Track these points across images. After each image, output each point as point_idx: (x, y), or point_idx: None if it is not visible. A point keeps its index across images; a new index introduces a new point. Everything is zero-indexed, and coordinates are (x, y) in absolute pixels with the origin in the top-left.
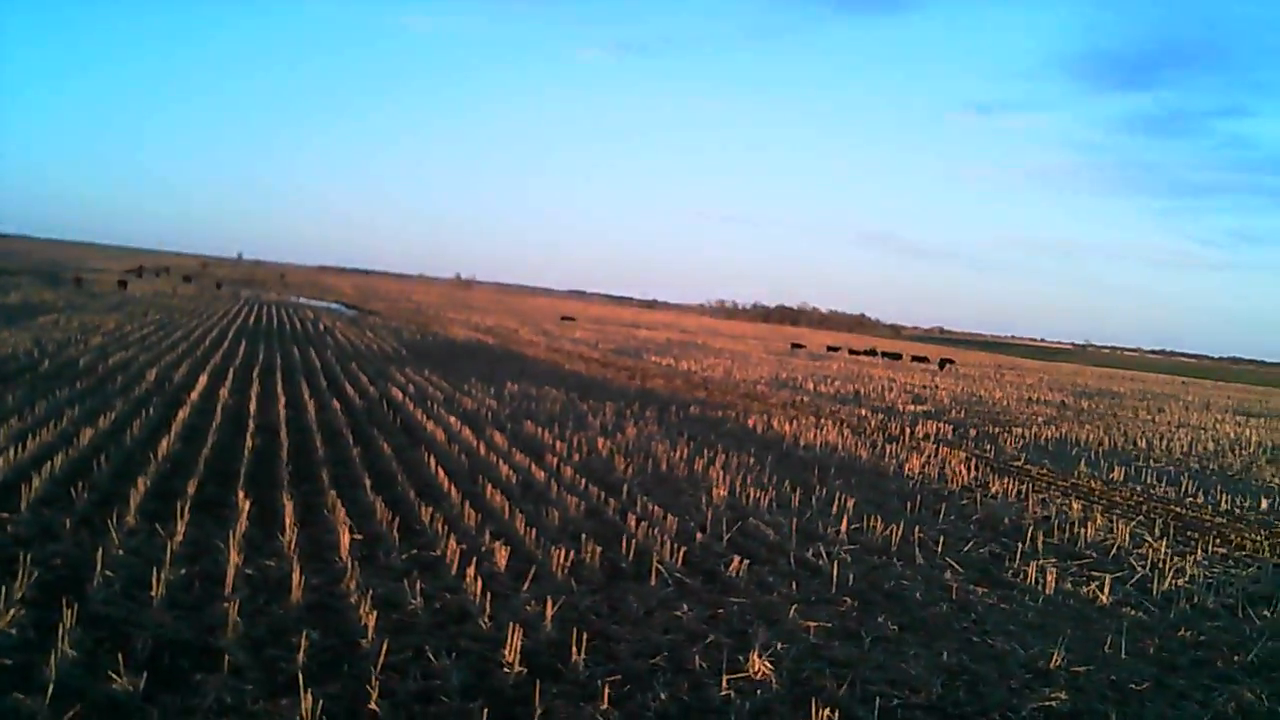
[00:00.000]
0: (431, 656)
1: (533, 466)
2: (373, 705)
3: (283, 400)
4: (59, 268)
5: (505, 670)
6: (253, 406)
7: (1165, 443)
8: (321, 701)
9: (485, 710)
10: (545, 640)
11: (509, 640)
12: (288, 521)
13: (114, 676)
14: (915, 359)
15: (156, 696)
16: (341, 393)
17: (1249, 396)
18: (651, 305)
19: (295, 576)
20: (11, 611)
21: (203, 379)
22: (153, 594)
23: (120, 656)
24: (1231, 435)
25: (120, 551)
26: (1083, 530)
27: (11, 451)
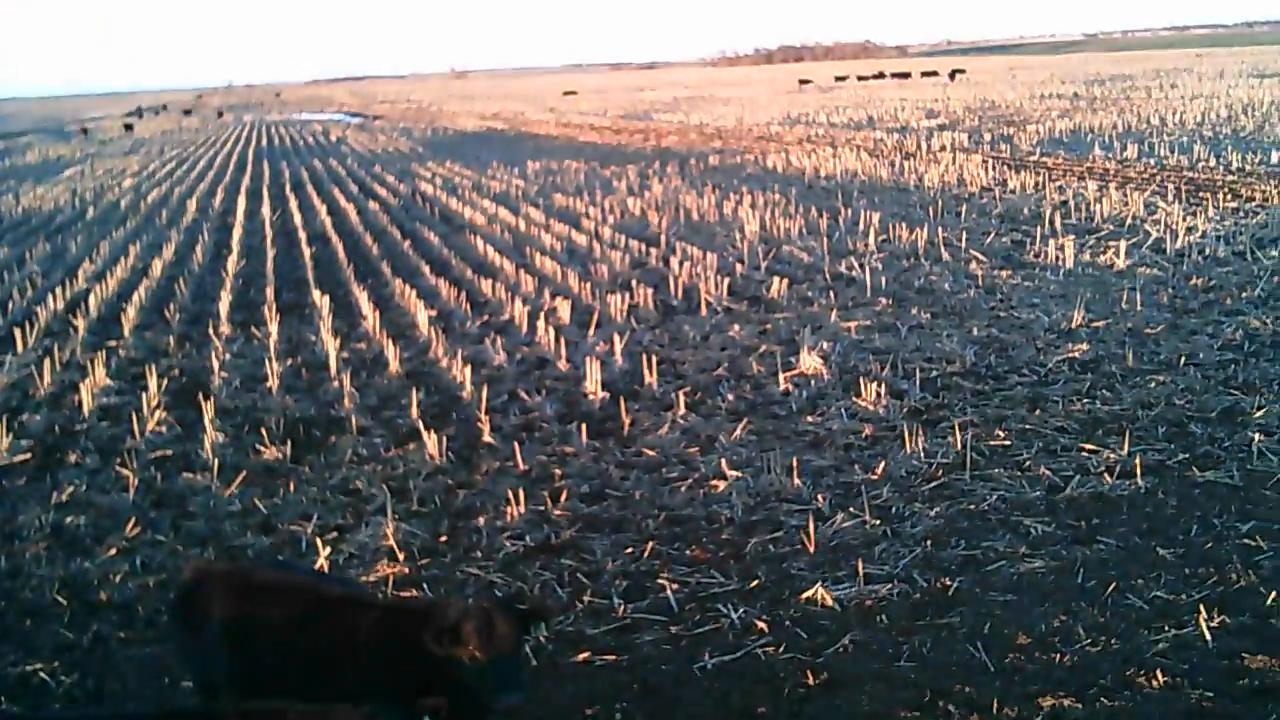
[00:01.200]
0: (524, 396)
1: (572, 233)
2: (486, 438)
3: (323, 209)
4: (61, 121)
5: (590, 397)
6: (297, 219)
7: (1178, 116)
8: (443, 440)
9: (581, 427)
10: (619, 371)
11: (587, 374)
12: (366, 310)
13: (261, 449)
14: (925, 74)
15: (302, 458)
16: (374, 194)
17: (1264, 58)
18: (651, 67)
19: (389, 351)
20: (156, 415)
21: (241, 200)
22: (269, 384)
23: (262, 434)
24: (1244, 98)
25: (228, 356)
26: (1098, 207)
27: (96, 289)
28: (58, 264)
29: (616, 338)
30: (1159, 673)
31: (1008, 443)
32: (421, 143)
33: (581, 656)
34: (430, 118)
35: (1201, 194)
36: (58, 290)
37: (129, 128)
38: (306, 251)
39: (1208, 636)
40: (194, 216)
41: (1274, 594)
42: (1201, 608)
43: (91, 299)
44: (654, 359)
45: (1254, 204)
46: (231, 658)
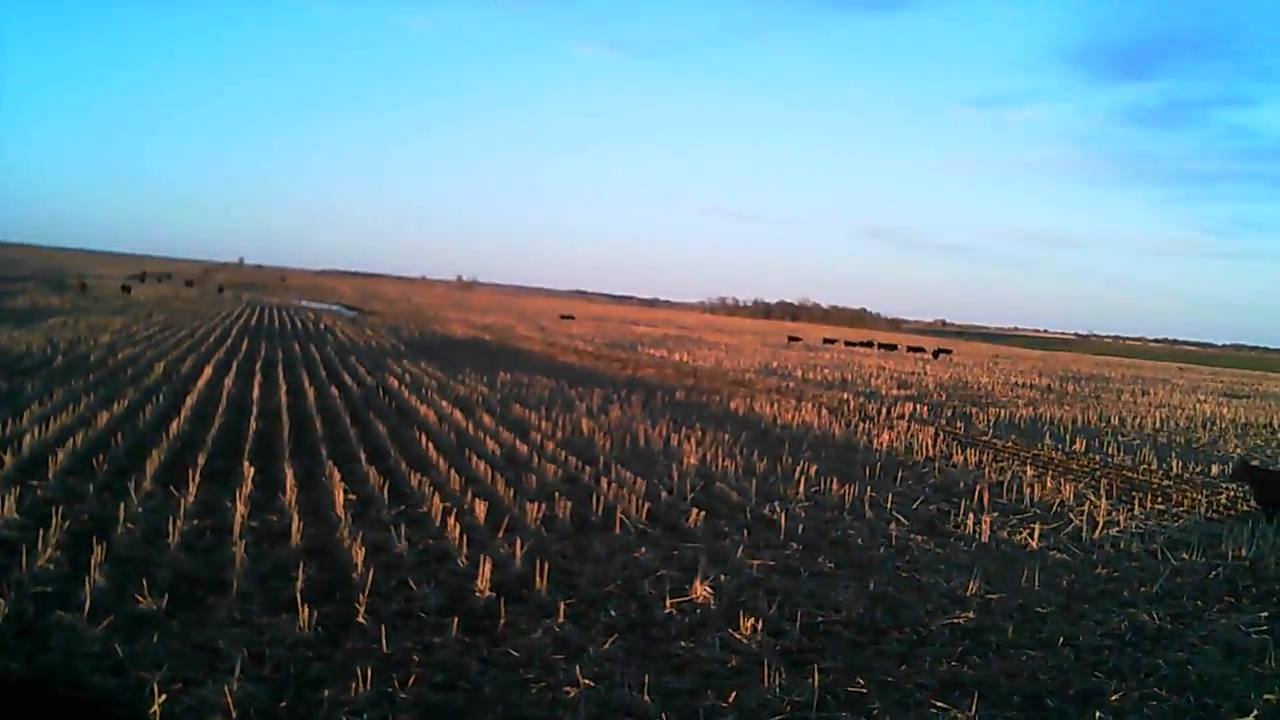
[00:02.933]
0: (413, 585)
1: (517, 442)
2: (360, 619)
3: (284, 388)
4: (62, 274)
5: (477, 594)
6: (255, 394)
7: (1137, 420)
8: (316, 615)
9: (456, 622)
10: (514, 574)
11: (481, 572)
12: (289, 485)
13: (140, 599)
14: (911, 349)
15: (177, 613)
16: (340, 382)
17: (1243, 380)
18: (653, 304)
19: (294, 526)
20: (48, 552)
21: (208, 370)
22: (169, 540)
23: (145, 584)
24: (1207, 413)
25: (139, 509)
26: (1029, 490)
27: (35, 431)
28: (5, 403)
29: (520, 543)
30: None
31: (864, 691)
32: (406, 342)
33: None
34: (424, 320)
35: (1134, 493)
36: None
37: (127, 289)
38: (253, 425)
39: None
40: (157, 379)
41: None
42: None
43: (27, 439)
44: (550, 567)
45: (1180, 509)
46: None
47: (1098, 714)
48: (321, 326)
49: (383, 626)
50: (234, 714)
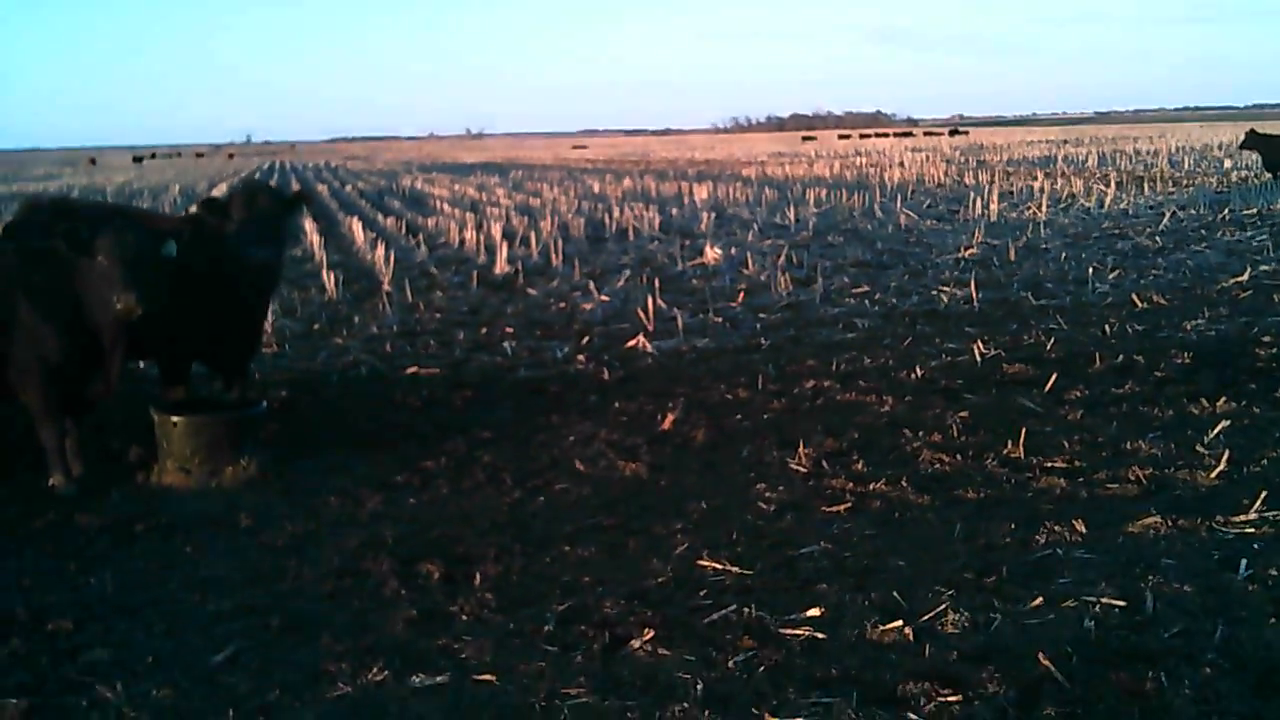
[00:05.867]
0: (434, 270)
1: (530, 199)
2: (385, 287)
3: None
4: (76, 162)
5: (495, 273)
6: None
7: (1153, 149)
8: (342, 288)
9: (475, 284)
10: (532, 263)
11: (498, 261)
12: (309, 229)
13: None
14: (927, 133)
15: None
16: (360, 191)
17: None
18: (665, 133)
19: (317, 251)
20: None
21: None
22: None
23: None
24: (1226, 139)
25: None
26: (1040, 189)
27: None
28: None
29: (535, 243)
30: None
31: (864, 289)
32: (416, 166)
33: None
34: (434, 156)
35: (1145, 183)
36: None
37: (139, 160)
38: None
39: None
40: (173, 197)
41: None
42: None
43: None
44: (565, 253)
45: (1189, 189)
46: None
47: (1093, 286)
48: (334, 164)
49: (407, 293)
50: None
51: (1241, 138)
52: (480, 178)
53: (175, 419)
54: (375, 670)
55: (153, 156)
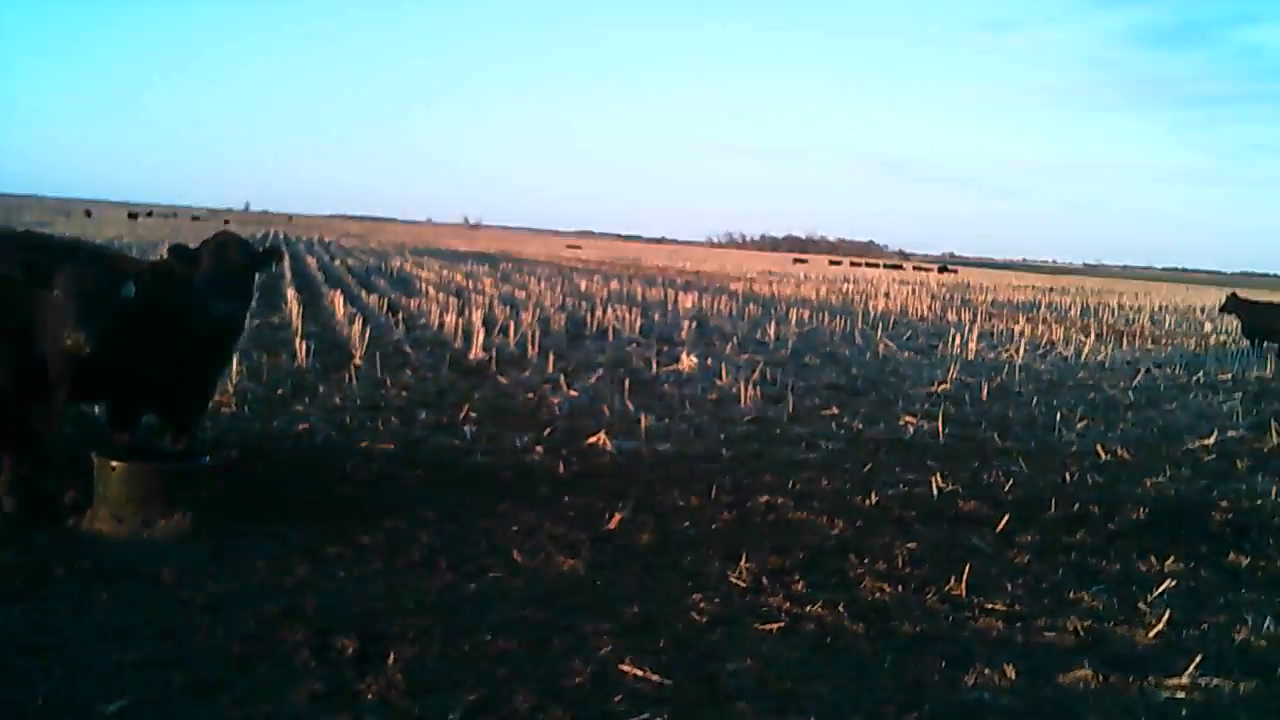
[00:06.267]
0: (408, 349)
1: (515, 291)
2: (356, 363)
3: (290, 264)
4: (69, 211)
5: (470, 359)
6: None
7: (1135, 305)
8: (313, 357)
9: (448, 367)
10: (508, 353)
11: (473, 348)
12: (290, 297)
13: None
14: (916, 268)
15: None
16: (349, 268)
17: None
18: (660, 241)
19: (295, 319)
20: None
21: None
22: None
23: None
24: (1209, 303)
25: None
26: (1020, 333)
27: None
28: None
29: (513, 334)
30: None
31: (833, 411)
32: (409, 250)
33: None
34: (428, 241)
35: (1123, 338)
36: None
37: (134, 216)
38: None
39: None
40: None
41: None
42: None
43: None
44: (542, 347)
45: (1169, 347)
46: None
47: (1061, 433)
48: (326, 239)
49: (377, 368)
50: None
51: (1222, 302)
52: (470, 266)
53: (114, 463)
54: None
55: (149, 215)
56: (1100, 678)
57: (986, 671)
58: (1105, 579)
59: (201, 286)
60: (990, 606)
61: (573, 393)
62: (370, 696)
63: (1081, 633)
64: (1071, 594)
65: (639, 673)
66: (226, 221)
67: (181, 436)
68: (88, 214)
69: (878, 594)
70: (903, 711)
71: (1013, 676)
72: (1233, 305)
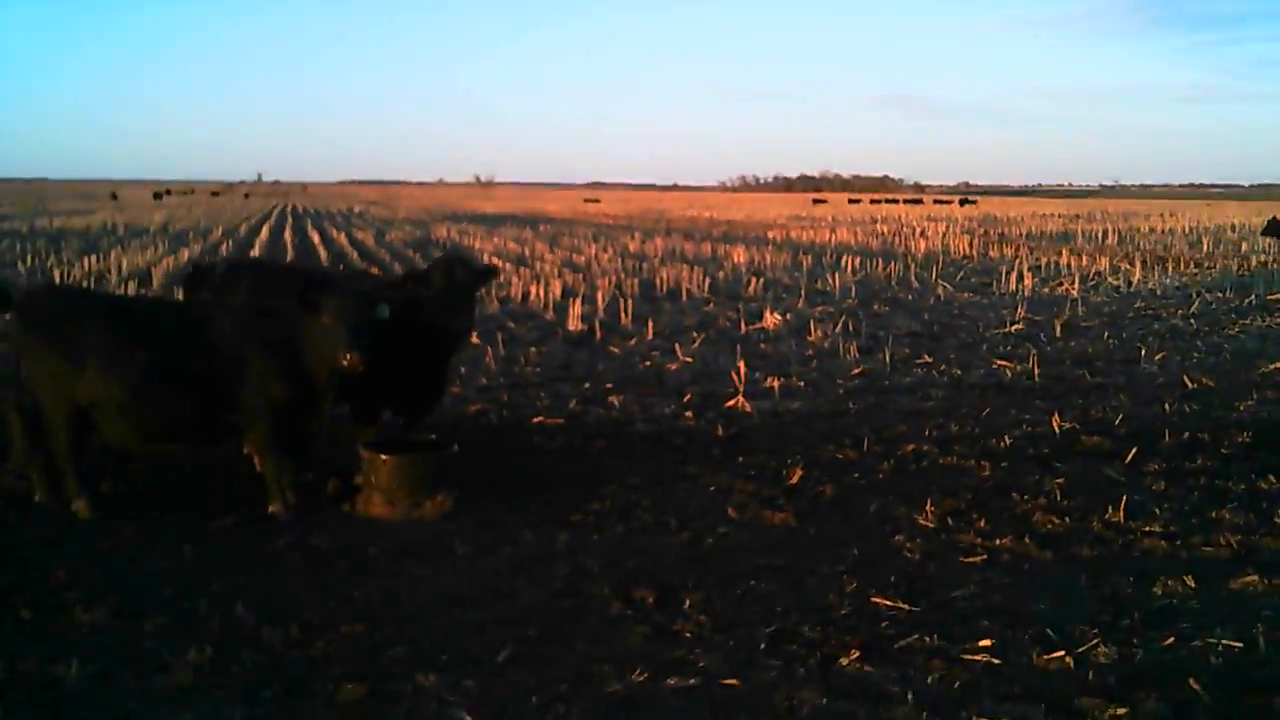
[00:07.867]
0: (512, 324)
1: (573, 255)
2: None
3: (341, 238)
4: (92, 194)
5: (570, 329)
6: (316, 238)
7: (1166, 227)
8: None
9: (560, 339)
10: (599, 319)
11: (568, 319)
12: None
13: None
14: (936, 201)
15: None
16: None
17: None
18: (673, 188)
19: None
20: None
21: (264, 232)
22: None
23: None
24: (1236, 221)
25: None
26: (1066, 264)
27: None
28: (90, 248)
29: (601, 300)
30: None
31: (927, 359)
32: (442, 216)
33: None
34: (449, 205)
35: (1167, 263)
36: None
37: (159, 196)
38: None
39: None
40: (219, 238)
41: None
42: None
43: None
44: (632, 311)
45: (1212, 271)
46: None
47: (1142, 365)
48: (356, 208)
49: (499, 344)
50: None
51: (1255, 221)
52: (512, 230)
53: (384, 456)
54: (636, 673)
55: (168, 193)
56: (1266, 581)
57: (1169, 582)
58: (1236, 498)
59: (435, 304)
60: (1149, 530)
61: (687, 358)
62: (688, 635)
63: (1234, 545)
64: (1213, 514)
65: (889, 602)
66: (247, 195)
67: (413, 428)
68: (114, 196)
69: (1049, 525)
70: (1116, 619)
71: (1192, 585)
72: (1274, 229)
